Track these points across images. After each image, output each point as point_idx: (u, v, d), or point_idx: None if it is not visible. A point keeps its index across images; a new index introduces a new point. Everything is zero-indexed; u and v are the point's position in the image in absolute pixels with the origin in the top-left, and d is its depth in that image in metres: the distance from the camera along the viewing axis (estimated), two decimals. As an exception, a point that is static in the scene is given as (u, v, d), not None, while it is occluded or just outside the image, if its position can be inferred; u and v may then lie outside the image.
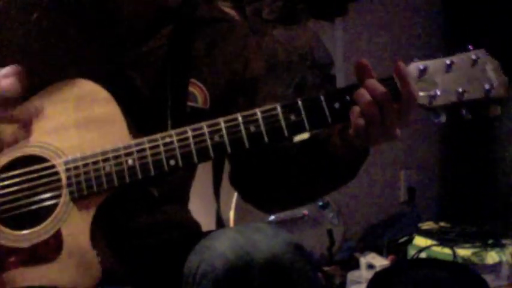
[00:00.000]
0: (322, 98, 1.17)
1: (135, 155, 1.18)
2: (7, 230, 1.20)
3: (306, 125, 1.17)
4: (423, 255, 2.72)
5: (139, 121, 1.25)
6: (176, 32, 1.36)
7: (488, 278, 2.47)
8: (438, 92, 1.17)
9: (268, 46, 3.03)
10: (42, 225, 1.19)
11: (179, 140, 1.18)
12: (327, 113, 1.17)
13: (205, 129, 1.18)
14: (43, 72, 1.29)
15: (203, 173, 1.50)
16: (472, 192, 3.31)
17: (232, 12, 1.46)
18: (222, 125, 1.17)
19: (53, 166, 1.20)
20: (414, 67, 1.19)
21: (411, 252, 2.79)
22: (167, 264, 1.30)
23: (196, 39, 1.37)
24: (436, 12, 3.52)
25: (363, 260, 2.77)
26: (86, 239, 1.18)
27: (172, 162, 1.17)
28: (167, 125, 1.27)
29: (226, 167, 1.46)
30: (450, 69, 1.18)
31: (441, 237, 2.81)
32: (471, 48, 1.19)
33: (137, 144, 1.19)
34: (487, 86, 1.17)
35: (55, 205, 1.19)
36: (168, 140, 1.18)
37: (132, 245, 1.31)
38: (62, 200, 1.19)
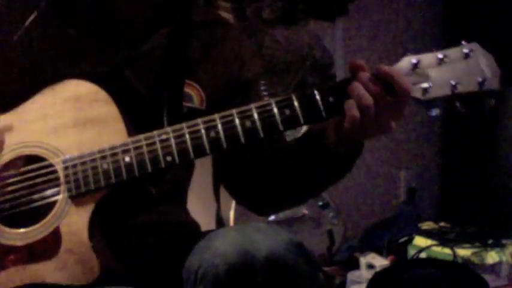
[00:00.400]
0: (316, 92, 1.18)
1: (132, 152, 1.18)
2: (6, 229, 1.20)
3: (301, 119, 1.18)
4: (423, 255, 2.72)
5: (137, 121, 1.25)
6: (173, 33, 1.36)
7: (488, 278, 2.47)
8: (431, 85, 1.18)
9: (268, 46, 3.03)
10: (41, 223, 1.19)
11: (175, 137, 1.18)
12: (321, 107, 1.18)
13: (201, 126, 1.18)
14: (41, 72, 1.29)
15: (203, 173, 1.50)
16: (472, 192, 3.31)
17: (227, 15, 1.47)
18: (218, 121, 1.18)
19: (51, 165, 1.21)
20: (406, 61, 1.19)
21: (411, 252, 2.79)
22: (165, 264, 1.30)
23: (193, 40, 1.37)
24: (436, 13, 3.52)
25: (363, 260, 2.77)
26: (84, 236, 1.18)
27: (168, 158, 1.18)
28: (163, 125, 1.27)
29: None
30: (443, 63, 1.19)
31: (441, 237, 2.81)
32: (464, 43, 1.20)
33: (134, 142, 1.19)
34: (480, 79, 1.17)
35: (53, 203, 1.20)
36: (164, 136, 1.19)
37: (131, 243, 1.31)
38: (60, 197, 1.20)
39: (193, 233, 1.37)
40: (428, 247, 2.75)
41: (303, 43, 3.11)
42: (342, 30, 3.28)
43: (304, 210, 2.83)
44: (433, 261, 2.59)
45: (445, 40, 3.45)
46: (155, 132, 1.19)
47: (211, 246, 1.14)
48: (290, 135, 1.40)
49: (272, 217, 2.75)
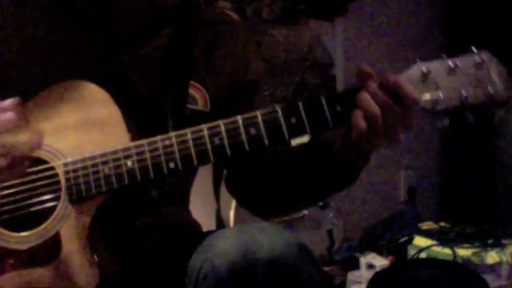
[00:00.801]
0: (323, 100, 1.16)
1: (135, 158, 1.17)
2: (6, 232, 1.20)
3: (307, 127, 1.16)
4: (423, 255, 2.72)
5: (140, 123, 1.25)
6: (176, 33, 1.35)
7: (488, 278, 2.47)
8: (441, 96, 1.15)
9: (268, 46, 3.03)
10: (41, 227, 1.19)
11: (179, 143, 1.17)
12: (328, 116, 1.16)
13: (205, 132, 1.17)
14: (43, 73, 1.29)
15: (203, 173, 1.50)
16: (472, 192, 3.31)
17: (232, 13, 1.45)
18: (222, 128, 1.16)
19: (52, 168, 1.20)
20: (417, 69, 1.17)
21: (411, 252, 2.78)
22: (166, 265, 1.30)
23: (197, 41, 1.37)
24: (437, 12, 3.52)
25: (363, 260, 2.77)
26: (84, 241, 1.18)
27: (171, 165, 1.17)
28: (168, 127, 1.26)
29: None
30: (454, 72, 1.16)
31: (441, 237, 2.81)
32: (475, 50, 1.17)
33: (136, 147, 1.18)
34: (491, 90, 1.15)
35: (54, 207, 1.19)
36: (167, 142, 1.17)
37: (131, 245, 1.30)
38: (60, 202, 1.19)
39: (194, 234, 1.37)
40: (428, 247, 2.74)
41: (303, 43, 3.11)
42: (342, 30, 3.27)
43: (304, 210, 2.83)
44: (433, 261, 2.59)
45: (446, 40, 3.45)
46: (158, 138, 1.18)
47: (213, 246, 1.13)
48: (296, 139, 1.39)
49: (272, 217, 2.74)
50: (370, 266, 2.74)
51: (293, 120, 1.16)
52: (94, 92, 1.23)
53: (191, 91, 1.34)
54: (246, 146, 1.16)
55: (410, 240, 2.88)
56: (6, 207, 1.20)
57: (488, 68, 1.16)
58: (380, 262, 2.74)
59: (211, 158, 1.16)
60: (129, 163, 1.17)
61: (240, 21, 1.49)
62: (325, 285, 2.69)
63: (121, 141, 1.19)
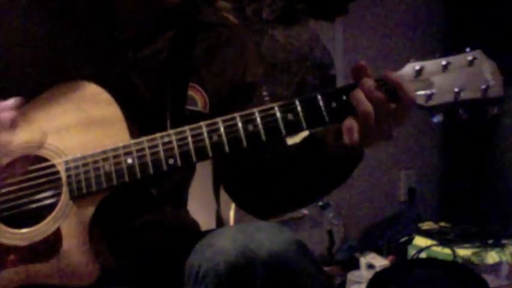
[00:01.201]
0: (319, 97, 1.18)
1: (135, 154, 1.18)
2: (7, 229, 1.20)
3: (303, 124, 1.18)
4: (423, 255, 2.72)
5: (140, 123, 1.25)
6: (177, 35, 1.36)
7: (488, 278, 2.47)
8: (434, 91, 1.18)
9: (268, 46, 3.03)
10: (42, 223, 1.19)
11: (178, 140, 1.18)
12: (324, 113, 1.17)
13: (204, 129, 1.18)
14: (45, 74, 1.29)
15: (203, 173, 1.50)
16: (472, 192, 3.31)
17: (232, 17, 1.46)
18: (220, 125, 1.18)
19: (53, 166, 1.21)
20: (410, 67, 1.19)
21: (411, 252, 2.79)
22: (165, 264, 1.30)
23: (197, 42, 1.37)
24: (436, 12, 3.52)
25: (363, 260, 2.77)
26: (84, 237, 1.18)
27: (171, 161, 1.18)
28: (167, 128, 1.27)
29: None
30: (446, 69, 1.19)
31: (441, 237, 2.81)
32: (468, 50, 1.20)
33: (136, 144, 1.19)
34: (483, 86, 1.17)
35: (55, 204, 1.20)
36: (166, 139, 1.19)
37: (131, 243, 1.31)
38: (61, 198, 1.20)
39: (193, 233, 1.37)
40: (428, 247, 2.75)
41: (303, 43, 3.11)
42: (342, 30, 3.27)
43: (304, 210, 2.84)
44: (433, 261, 2.59)
45: (446, 40, 3.45)
46: (158, 135, 1.19)
47: (212, 244, 1.14)
48: (290, 139, 1.40)
49: (272, 217, 2.74)
50: (370, 266, 2.74)
51: (290, 116, 1.18)
52: (96, 93, 1.24)
53: (191, 92, 1.35)
54: (244, 142, 1.18)
55: (410, 240, 2.88)
56: (7, 204, 1.21)
57: (481, 66, 1.18)
58: (380, 262, 2.74)
59: (210, 154, 1.18)
60: (129, 160, 1.18)
61: (239, 24, 1.50)
62: (325, 283, 2.70)
63: (122, 140, 1.20)
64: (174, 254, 1.28)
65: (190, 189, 1.48)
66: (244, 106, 1.26)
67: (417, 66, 1.19)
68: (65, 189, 1.19)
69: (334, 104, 1.18)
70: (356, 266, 2.81)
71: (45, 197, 1.21)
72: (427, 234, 2.87)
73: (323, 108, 1.18)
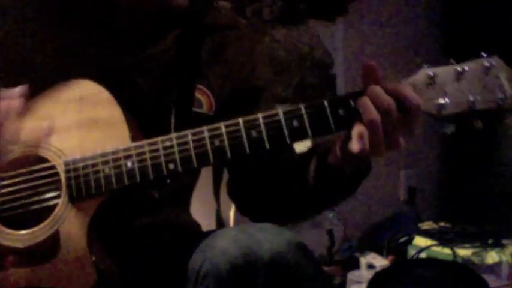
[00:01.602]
0: (326, 104, 1.14)
1: (135, 158, 1.17)
2: (6, 230, 1.20)
3: (309, 131, 1.14)
4: (423, 255, 2.72)
5: (144, 124, 1.25)
6: (184, 36, 1.35)
7: (488, 278, 2.47)
8: (447, 101, 1.13)
9: (268, 46, 3.03)
10: (41, 225, 1.19)
11: (179, 144, 1.17)
12: (331, 120, 1.14)
13: (206, 134, 1.16)
14: (47, 72, 1.29)
15: (203, 174, 1.50)
16: (472, 192, 3.31)
17: (239, 18, 1.44)
18: (223, 130, 1.16)
19: (53, 167, 1.21)
20: (423, 74, 1.15)
21: (411, 252, 2.78)
22: (166, 266, 1.30)
23: (204, 44, 1.36)
24: (437, 12, 3.52)
25: (363, 260, 2.77)
26: (83, 240, 1.18)
27: (171, 166, 1.17)
28: (171, 129, 1.26)
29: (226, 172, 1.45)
30: (461, 77, 1.13)
31: (441, 237, 2.80)
32: (484, 54, 1.14)
33: (137, 147, 1.18)
34: (500, 95, 1.12)
35: (54, 206, 1.19)
36: (168, 143, 1.17)
37: (130, 246, 1.30)
38: (61, 201, 1.19)
39: (194, 234, 1.37)
40: (428, 247, 2.74)
41: (303, 43, 3.11)
42: (342, 30, 3.27)
43: (305, 220, 2.83)
44: (433, 261, 2.59)
45: (446, 39, 3.44)
46: (159, 139, 1.18)
47: (214, 245, 1.14)
48: (296, 148, 1.37)
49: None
50: (370, 266, 2.74)
51: (295, 123, 1.14)
52: (97, 92, 1.23)
53: (197, 94, 1.34)
54: (247, 148, 1.15)
55: (410, 240, 2.88)
56: (7, 205, 1.21)
57: (498, 73, 1.13)
58: (380, 262, 2.74)
59: (211, 160, 1.16)
60: (129, 163, 1.17)
61: (247, 25, 1.48)
62: (325, 284, 2.69)
63: (122, 141, 1.20)
64: (174, 256, 1.28)
65: (193, 192, 1.48)
66: (250, 109, 1.25)
67: (430, 72, 1.13)
68: (63, 192, 1.19)
69: (341, 112, 1.14)
70: (356, 266, 2.81)
71: (44, 198, 1.20)
72: (427, 234, 2.86)
73: (330, 116, 1.14)
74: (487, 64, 1.13)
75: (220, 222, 1.89)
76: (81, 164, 1.19)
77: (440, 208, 3.51)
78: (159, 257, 1.32)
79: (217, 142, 1.16)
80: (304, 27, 3.12)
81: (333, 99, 1.15)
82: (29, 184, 1.21)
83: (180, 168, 1.16)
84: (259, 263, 1.09)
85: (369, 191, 3.35)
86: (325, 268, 2.85)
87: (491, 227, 2.90)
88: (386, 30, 3.40)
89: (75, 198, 1.18)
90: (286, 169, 1.32)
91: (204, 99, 1.34)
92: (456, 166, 3.48)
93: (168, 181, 1.23)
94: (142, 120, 1.25)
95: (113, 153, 1.18)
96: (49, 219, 1.19)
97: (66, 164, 1.20)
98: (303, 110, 1.15)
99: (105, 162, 1.18)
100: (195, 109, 1.33)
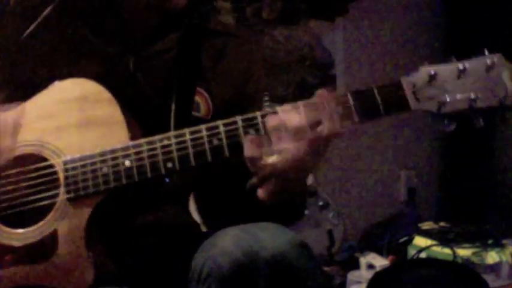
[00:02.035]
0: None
1: (133, 157, 1.18)
2: (5, 228, 1.20)
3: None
4: (423, 255, 2.72)
5: (144, 122, 1.25)
6: (185, 38, 1.35)
7: (488, 278, 2.47)
8: (448, 99, 1.12)
9: (268, 46, 3.03)
10: (39, 224, 1.19)
11: (177, 143, 1.17)
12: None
13: (204, 133, 1.17)
14: (48, 70, 1.29)
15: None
16: (472, 192, 3.31)
17: (240, 27, 1.46)
18: (221, 129, 1.17)
19: (52, 166, 1.21)
20: (424, 72, 1.14)
21: (411, 252, 2.78)
22: (164, 265, 1.30)
23: (206, 48, 1.37)
24: (437, 12, 3.52)
25: (363, 260, 2.77)
26: (81, 239, 1.18)
27: (169, 164, 1.17)
28: (170, 129, 1.26)
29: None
30: (463, 75, 1.12)
31: (441, 237, 2.80)
32: (486, 52, 1.13)
33: (135, 146, 1.18)
34: (501, 93, 1.11)
35: (53, 204, 1.19)
36: (166, 142, 1.18)
37: (128, 245, 1.30)
38: (59, 199, 1.19)
39: (194, 234, 1.37)
40: (428, 247, 2.74)
41: (303, 43, 3.11)
42: (342, 30, 3.27)
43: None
44: (433, 261, 2.59)
45: (446, 39, 3.44)
46: (157, 137, 1.18)
47: (216, 244, 1.14)
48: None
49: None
50: (370, 266, 2.74)
51: None
52: (96, 91, 1.23)
53: (197, 97, 1.34)
54: None
55: (410, 240, 2.88)
56: (5, 204, 1.21)
57: (500, 71, 1.12)
58: (380, 262, 2.74)
59: (209, 159, 1.17)
60: (127, 162, 1.18)
61: (247, 33, 1.49)
62: (326, 284, 2.69)
63: (121, 140, 1.20)
64: (174, 255, 1.28)
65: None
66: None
67: (431, 71, 1.13)
68: (62, 190, 1.19)
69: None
70: (356, 266, 2.81)
71: (43, 197, 1.21)
72: (427, 234, 2.86)
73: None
74: (489, 62, 1.12)
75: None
76: (79, 163, 1.19)
77: (440, 208, 3.51)
78: (158, 256, 1.32)
79: (215, 141, 1.16)
80: (304, 27, 3.12)
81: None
82: (28, 183, 1.21)
83: (177, 166, 1.17)
84: (261, 263, 1.10)
85: (369, 191, 3.35)
86: (325, 268, 2.84)
87: (491, 227, 2.90)
88: (387, 30, 3.40)
89: (74, 197, 1.18)
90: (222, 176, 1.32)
91: (202, 102, 1.34)
92: (456, 166, 3.48)
93: (167, 180, 1.23)
94: (142, 119, 1.25)
95: (112, 152, 1.18)
96: (47, 218, 1.19)
97: (65, 163, 1.20)
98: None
99: (104, 161, 1.18)
100: (193, 113, 1.33)
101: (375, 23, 3.38)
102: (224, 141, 1.16)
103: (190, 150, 1.17)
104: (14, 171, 1.22)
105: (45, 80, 1.26)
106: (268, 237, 1.12)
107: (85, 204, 1.19)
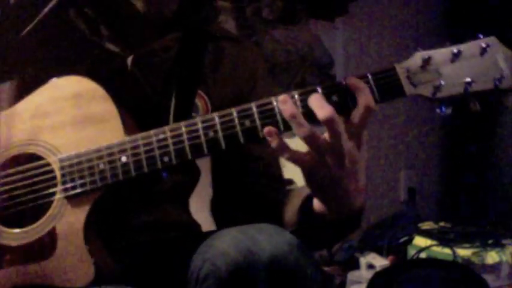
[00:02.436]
0: (319, 89, 1.13)
1: (129, 152, 1.17)
2: (3, 228, 1.20)
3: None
4: (423, 255, 2.72)
5: (142, 121, 1.25)
6: (185, 38, 1.36)
7: (488, 278, 2.47)
8: (442, 83, 1.11)
9: (268, 46, 3.03)
10: (37, 223, 1.19)
11: (173, 137, 1.17)
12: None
13: (200, 125, 1.16)
14: (44, 68, 1.29)
15: (203, 174, 1.50)
16: (472, 192, 3.31)
17: (241, 37, 1.47)
18: (217, 120, 1.16)
19: (48, 164, 1.21)
20: (418, 57, 1.13)
21: (411, 252, 2.78)
22: (163, 264, 1.30)
23: (207, 51, 1.37)
24: (437, 12, 3.52)
25: (363, 260, 2.77)
26: (80, 237, 1.18)
27: (165, 159, 1.16)
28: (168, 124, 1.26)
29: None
30: (457, 59, 1.12)
31: (441, 237, 2.80)
32: (481, 36, 1.13)
33: (131, 141, 1.18)
34: (496, 76, 1.10)
35: (50, 203, 1.19)
36: (161, 136, 1.17)
37: (128, 243, 1.30)
38: (56, 198, 1.19)
39: (194, 234, 1.37)
40: (428, 247, 2.74)
41: (303, 43, 3.11)
42: (342, 30, 3.27)
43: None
44: (433, 261, 2.59)
45: (448, 40, 3.44)
46: (153, 132, 1.18)
47: (214, 246, 1.13)
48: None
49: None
50: (370, 266, 2.74)
51: None
52: (92, 89, 1.23)
53: (196, 100, 1.34)
54: (241, 138, 1.15)
55: (410, 240, 2.88)
56: (2, 203, 1.20)
57: (494, 54, 1.11)
58: (380, 262, 2.74)
59: (205, 151, 1.16)
60: (124, 157, 1.17)
61: (249, 40, 1.49)
62: (325, 286, 2.69)
63: (117, 137, 1.19)
64: (174, 255, 1.28)
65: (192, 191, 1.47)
66: None
67: (425, 55, 1.12)
68: (59, 189, 1.19)
69: (334, 98, 1.12)
70: (356, 266, 2.81)
71: (40, 196, 1.20)
72: (427, 234, 2.86)
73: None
74: (483, 45, 1.12)
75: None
76: (75, 160, 1.19)
77: (440, 208, 3.51)
78: (157, 255, 1.32)
79: (211, 133, 1.15)
80: (304, 27, 3.12)
81: (327, 85, 1.14)
82: (25, 182, 1.21)
83: (174, 160, 1.16)
84: (259, 264, 1.09)
85: (369, 191, 3.35)
86: (325, 268, 2.84)
87: (491, 227, 2.90)
88: (387, 30, 3.40)
89: (71, 195, 1.18)
90: (272, 199, 1.34)
91: (201, 104, 1.34)
92: (456, 166, 3.48)
93: (165, 175, 1.23)
94: (140, 117, 1.25)
95: (107, 148, 1.18)
96: (45, 217, 1.19)
97: (61, 160, 1.19)
98: (297, 97, 1.14)
99: (100, 158, 1.18)
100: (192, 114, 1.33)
101: (375, 22, 3.38)
102: (220, 133, 1.16)
103: (186, 143, 1.16)
104: (10, 171, 1.22)
105: (42, 77, 1.26)
106: (266, 239, 1.12)
107: (83, 201, 1.18)
